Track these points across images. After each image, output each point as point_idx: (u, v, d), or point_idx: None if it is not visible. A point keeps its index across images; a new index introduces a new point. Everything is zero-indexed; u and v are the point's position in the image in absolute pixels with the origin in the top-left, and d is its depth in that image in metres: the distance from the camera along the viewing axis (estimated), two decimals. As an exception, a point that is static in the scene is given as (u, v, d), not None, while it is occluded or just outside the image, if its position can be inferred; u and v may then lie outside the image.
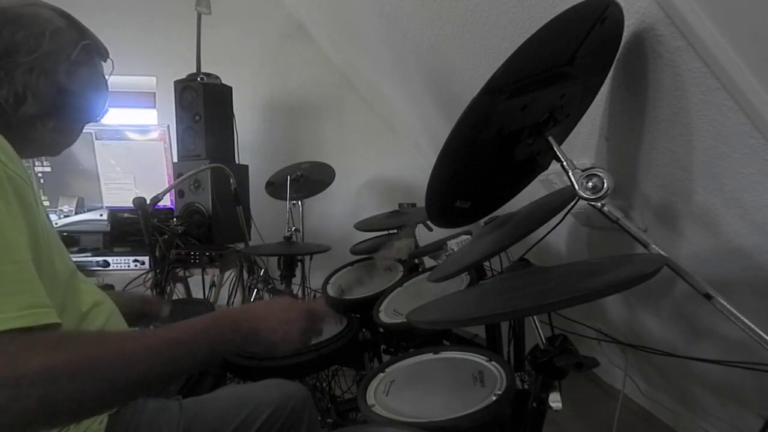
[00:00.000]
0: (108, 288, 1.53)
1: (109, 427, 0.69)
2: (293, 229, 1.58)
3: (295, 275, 1.62)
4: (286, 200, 1.72)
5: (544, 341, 0.74)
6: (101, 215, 1.66)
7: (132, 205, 1.40)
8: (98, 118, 0.80)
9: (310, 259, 1.84)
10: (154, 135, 2.01)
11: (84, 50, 0.74)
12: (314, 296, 1.98)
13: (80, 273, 0.77)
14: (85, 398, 0.46)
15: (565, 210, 0.82)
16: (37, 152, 0.77)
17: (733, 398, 1.23)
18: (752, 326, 0.61)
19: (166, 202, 1.97)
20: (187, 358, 0.55)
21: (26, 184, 0.55)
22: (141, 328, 0.95)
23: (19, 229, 0.51)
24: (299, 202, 1.95)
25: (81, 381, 0.46)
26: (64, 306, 0.64)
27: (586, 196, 0.67)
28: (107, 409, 0.55)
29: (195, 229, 1.75)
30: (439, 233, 1.35)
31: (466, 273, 1.18)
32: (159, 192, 1.44)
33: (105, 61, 0.81)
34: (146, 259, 1.60)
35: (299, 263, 1.77)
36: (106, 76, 0.81)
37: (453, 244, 1.24)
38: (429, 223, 1.62)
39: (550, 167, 0.85)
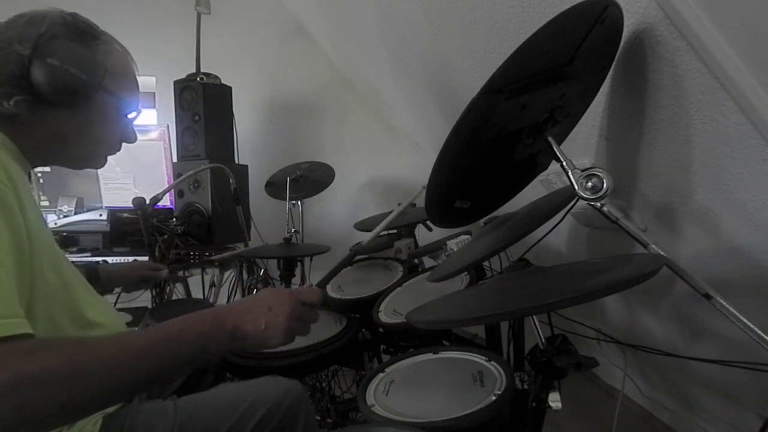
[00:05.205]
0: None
1: (103, 428, 0.69)
2: (293, 230, 1.58)
3: (294, 275, 1.63)
4: (285, 200, 1.72)
5: (543, 341, 0.74)
6: (101, 215, 1.66)
7: (131, 205, 1.40)
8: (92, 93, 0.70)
9: (310, 259, 1.84)
10: (154, 135, 2.01)
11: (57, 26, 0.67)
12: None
13: (89, 289, 0.75)
14: (66, 404, 0.45)
15: (565, 210, 0.82)
16: (55, 154, 0.73)
17: (733, 398, 1.23)
18: (752, 326, 0.61)
19: (166, 202, 1.97)
20: (171, 358, 0.55)
21: (7, 187, 0.54)
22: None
23: None
24: (299, 202, 1.95)
25: (59, 387, 0.45)
26: (53, 318, 0.63)
27: (585, 196, 0.67)
28: (91, 413, 0.54)
29: (194, 229, 1.75)
30: (439, 233, 1.36)
31: (466, 273, 1.18)
32: (159, 192, 1.43)
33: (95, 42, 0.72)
34: (146, 259, 1.60)
35: (299, 263, 1.77)
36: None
37: (453, 244, 1.24)
38: (429, 223, 1.62)
39: (550, 167, 0.85)
